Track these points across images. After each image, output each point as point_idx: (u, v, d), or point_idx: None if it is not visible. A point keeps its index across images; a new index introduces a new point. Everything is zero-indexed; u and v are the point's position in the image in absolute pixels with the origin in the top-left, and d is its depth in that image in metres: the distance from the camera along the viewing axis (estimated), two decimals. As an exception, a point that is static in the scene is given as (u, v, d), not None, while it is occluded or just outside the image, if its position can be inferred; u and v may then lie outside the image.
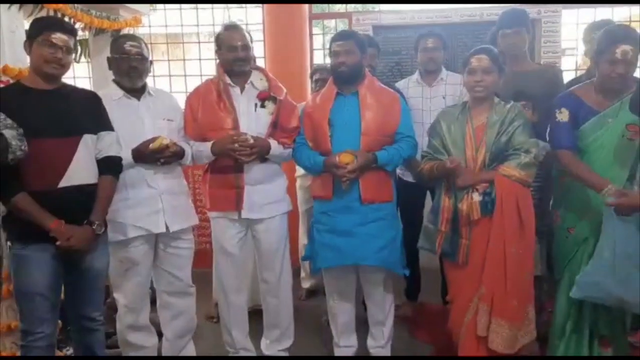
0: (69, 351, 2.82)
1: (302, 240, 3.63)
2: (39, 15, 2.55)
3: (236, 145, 2.49)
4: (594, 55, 2.34)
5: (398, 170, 2.93)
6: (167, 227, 2.53)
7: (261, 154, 2.58)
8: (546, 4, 4.24)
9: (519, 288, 2.40)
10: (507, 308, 2.38)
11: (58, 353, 2.66)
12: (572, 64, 5.04)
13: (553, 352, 2.54)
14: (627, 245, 2.16)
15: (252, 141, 2.51)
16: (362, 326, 2.93)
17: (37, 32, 2.14)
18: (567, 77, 3.40)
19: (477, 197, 2.40)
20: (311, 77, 3.54)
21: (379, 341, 2.82)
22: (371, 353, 2.86)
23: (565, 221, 2.48)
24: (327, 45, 3.22)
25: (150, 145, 2.41)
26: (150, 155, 2.43)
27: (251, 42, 2.68)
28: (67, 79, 2.45)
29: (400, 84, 3.29)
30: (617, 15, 4.50)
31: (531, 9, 3.99)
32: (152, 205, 2.49)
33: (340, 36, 2.65)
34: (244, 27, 2.75)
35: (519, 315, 2.41)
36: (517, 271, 2.38)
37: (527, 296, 2.45)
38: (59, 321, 2.38)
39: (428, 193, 3.25)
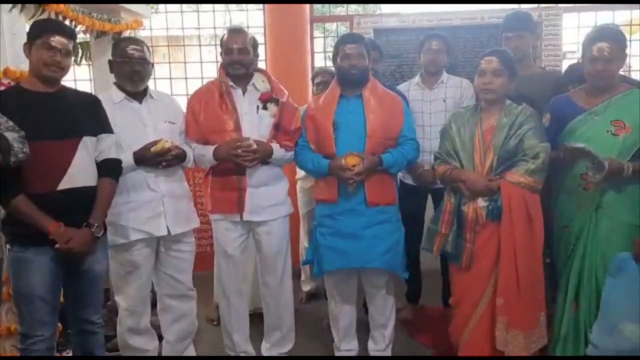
0: (69, 354, 2.81)
1: (303, 242, 3.62)
2: (40, 18, 2.55)
3: (239, 150, 2.49)
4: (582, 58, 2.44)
5: (400, 174, 2.93)
6: (168, 230, 2.52)
7: (264, 158, 2.58)
8: (547, 3, 4.24)
9: (530, 295, 2.38)
10: (521, 317, 2.37)
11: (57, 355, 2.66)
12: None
13: (552, 352, 2.53)
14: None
15: (255, 146, 2.51)
16: (362, 329, 2.92)
17: (36, 35, 2.14)
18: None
19: (482, 202, 2.39)
20: (313, 80, 3.53)
21: (380, 344, 2.81)
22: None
23: (561, 219, 2.49)
24: (328, 48, 3.22)
25: (152, 148, 2.41)
26: (152, 158, 2.43)
27: (255, 46, 2.66)
28: (68, 81, 2.44)
29: (401, 87, 3.29)
30: (618, 18, 4.50)
31: (532, 12, 3.98)
32: (154, 208, 2.49)
33: (351, 39, 2.62)
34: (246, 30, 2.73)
35: (532, 322, 2.40)
36: (529, 279, 2.35)
37: (538, 303, 2.43)
38: (59, 324, 2.37)
39: (429, 196, 3.25)
